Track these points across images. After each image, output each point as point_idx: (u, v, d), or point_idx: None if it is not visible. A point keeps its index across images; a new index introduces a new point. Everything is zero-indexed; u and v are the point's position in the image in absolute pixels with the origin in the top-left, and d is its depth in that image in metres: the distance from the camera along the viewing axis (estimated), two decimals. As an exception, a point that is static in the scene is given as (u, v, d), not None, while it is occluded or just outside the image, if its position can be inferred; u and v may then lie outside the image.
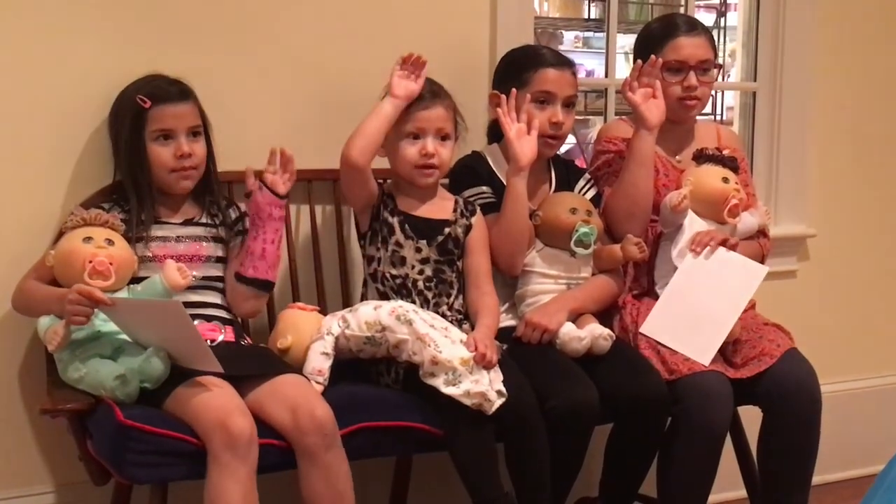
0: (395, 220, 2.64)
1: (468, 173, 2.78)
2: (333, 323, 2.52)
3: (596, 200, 2.86)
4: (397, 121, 2.60)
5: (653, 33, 2.97)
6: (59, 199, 2.59)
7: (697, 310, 2.72)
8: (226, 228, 2.61)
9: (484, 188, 2.76)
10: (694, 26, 2.95)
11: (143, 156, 2.49)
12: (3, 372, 2.59)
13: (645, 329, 2.74)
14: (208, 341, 2.41)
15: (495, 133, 2.84)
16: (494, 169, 2.79)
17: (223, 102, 2.65)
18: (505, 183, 2.71)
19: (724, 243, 2.78)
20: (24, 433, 2.62)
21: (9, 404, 2.60)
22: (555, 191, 2.85)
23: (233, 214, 2.63)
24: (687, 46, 2.89)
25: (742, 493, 3.02)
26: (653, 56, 2.83)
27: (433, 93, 2.63)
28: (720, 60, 3.11)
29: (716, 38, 3.09)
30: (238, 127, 2.71)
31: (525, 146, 2.67)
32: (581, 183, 2.88)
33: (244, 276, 2.54)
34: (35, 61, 2.57)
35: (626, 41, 4.57)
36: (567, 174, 2.89)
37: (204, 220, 2.59)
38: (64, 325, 2.27)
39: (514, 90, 2.71)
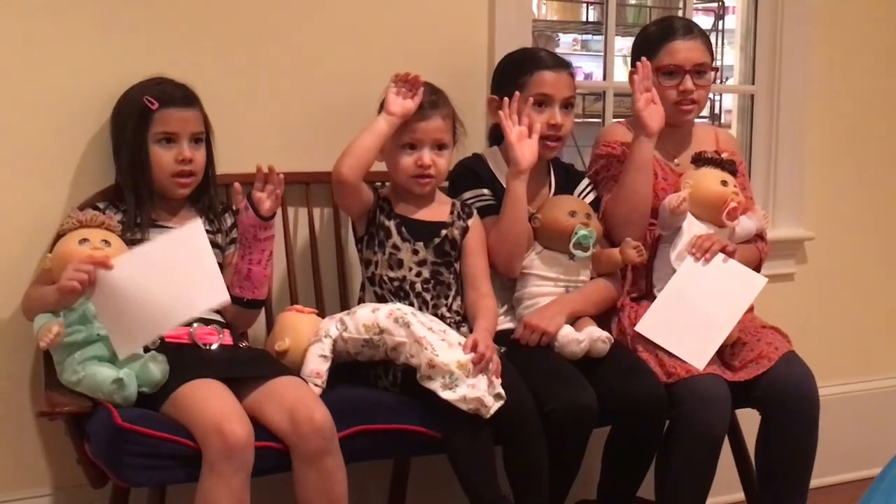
0: (391, 224, 2.63)
1: (469, 175, 2.78)
2: (331, 325, 2.52)
3: (595, 204, 2.86)
4: (395, 130, 2.59)
5: (649, 37, 2.96)
6: (60, 202, 2.58)
7: (694, 313, 2.72)
8: (222, 235, 2.60)
9: (484, 190, 2.76)
10: (690, 30, 2.94)
11: (145, 157, 2.48)
12: (0, 374, 2.58)
13: (640, 327, 2.73)
14: (206, 345, 2.42)
15: (496, 136, 2.84)
16: (495, 171, 2.79)
17: (221, 104, 2.64)
18: (505, 186, 2.71)
19: (723, 249, 2.78)
20: (23, 436, 2.61)
21: (7, 406, 2.59)
22: (554, 194, 2.85)
23: (228, 221, 2.63)
24: (682, 50, 2.88)
25: (740, 495, 3.03)
26: (643, 59, 2.82)
27: (432, 103, 2.62)
28: (717, 63, 3.11)
29: (714, 41, 3.08)
30: (235, 129, 2.71)
31: (526, 149, 2.67)
32: (581, 186, 2.89)
33: (232, 293, 2.53)
34: (35, 64, 2.56)
35: (624, 44, 4.58)
36: (567, 177, 2.89)
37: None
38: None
39: (517, 93, 2.70)
